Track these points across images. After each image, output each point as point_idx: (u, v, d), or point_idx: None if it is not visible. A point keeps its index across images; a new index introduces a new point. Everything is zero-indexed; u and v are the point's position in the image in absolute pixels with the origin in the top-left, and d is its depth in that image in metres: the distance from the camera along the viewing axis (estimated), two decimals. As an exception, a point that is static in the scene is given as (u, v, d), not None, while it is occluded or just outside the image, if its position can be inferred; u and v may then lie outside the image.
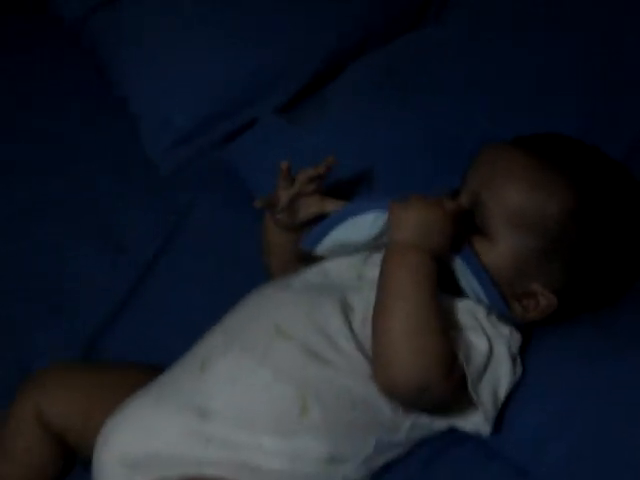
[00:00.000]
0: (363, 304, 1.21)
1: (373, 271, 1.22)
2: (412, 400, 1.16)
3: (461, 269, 1.21)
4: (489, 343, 1.18)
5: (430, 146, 1.47)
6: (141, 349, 1.38)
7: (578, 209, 1.20)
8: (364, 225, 1.25)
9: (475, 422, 1.18)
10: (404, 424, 1.19)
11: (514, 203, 1.20)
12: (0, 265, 1.53)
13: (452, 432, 1.22)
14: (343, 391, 1.17)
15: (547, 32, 1.57)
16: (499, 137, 1.30)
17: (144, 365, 1.31)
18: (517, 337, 1.23)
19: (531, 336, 1.25)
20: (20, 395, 1.28)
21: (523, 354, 1.22)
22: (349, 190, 1.45)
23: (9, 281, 1.51)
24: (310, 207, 1.34)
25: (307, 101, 1.68)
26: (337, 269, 1.29)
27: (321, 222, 1.29)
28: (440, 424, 1.20)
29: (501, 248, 1.21)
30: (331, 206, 1.32)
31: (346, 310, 1.21)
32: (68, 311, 1.45)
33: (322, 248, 1.28)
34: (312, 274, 1.29)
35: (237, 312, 1.26)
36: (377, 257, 1.23)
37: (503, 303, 1.22)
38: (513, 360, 1.20)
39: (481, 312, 1.21)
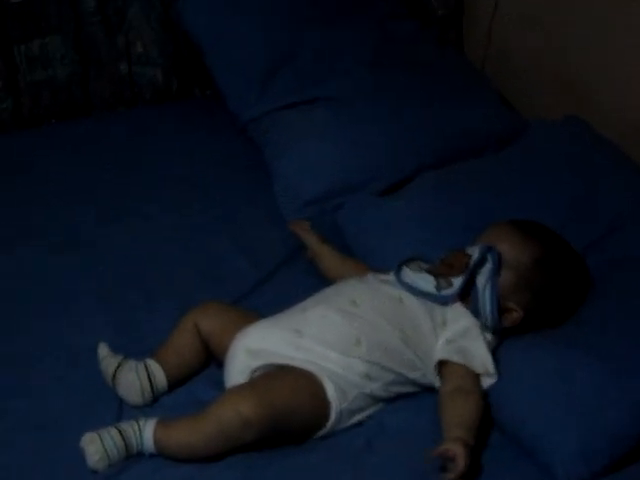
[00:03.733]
0: (407, 302, 1.98)
1: (409, 299, 1.99)
2: None
3: (484, 295, 1.97)
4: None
5: (466, 223, 2.22)
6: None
7: (541, 260, 1.98)
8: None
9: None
10: (416, 373, 1.94)
11: (504, 254, 1.99)
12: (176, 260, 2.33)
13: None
14: (381, 341, 1.93)
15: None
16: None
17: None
18: (495, 340, 1.98)
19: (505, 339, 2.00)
20: (187, 314, 2.03)
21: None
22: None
23: (181, 269, 2.30)
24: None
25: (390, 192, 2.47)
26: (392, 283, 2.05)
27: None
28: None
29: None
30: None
31: (397, 301, 1.98)
32: (221, 283, 2.24)
33: None
34: (378, 278, 2.05)
35: (328, 288, 2.05)
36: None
37: (497, 314, 1.97)
38: (488, 349, 1.95)
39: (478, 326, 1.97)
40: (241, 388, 1.88)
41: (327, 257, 2.23)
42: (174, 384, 1.98)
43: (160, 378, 1.96)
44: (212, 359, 2.04)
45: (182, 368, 2.00)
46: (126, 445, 1.80)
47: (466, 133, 2.60)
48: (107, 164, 2.63)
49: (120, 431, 1.81)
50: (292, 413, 1.84)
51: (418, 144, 2.55)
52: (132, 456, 1.82)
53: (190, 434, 1.81)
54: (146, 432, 1.82)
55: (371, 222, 2.35)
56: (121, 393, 1.94)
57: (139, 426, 1.82)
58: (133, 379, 1.93)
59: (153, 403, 1.96)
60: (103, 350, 1.98)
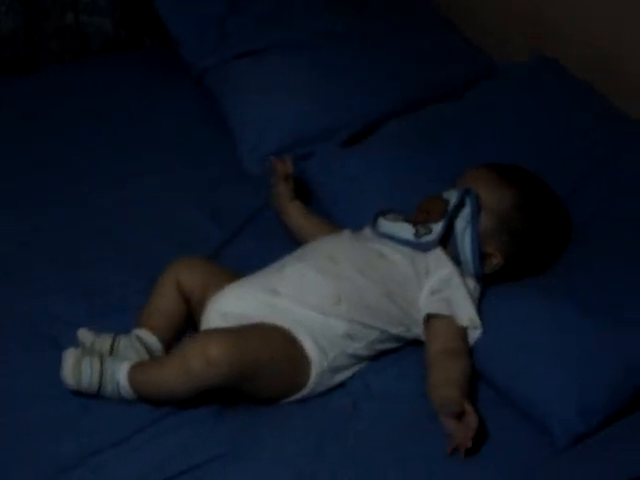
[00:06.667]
0: (389, 256, 1.91)
1: (390, 253, 1.92)
2: None
3: (463, 239, 1.91)
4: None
5: (438, 170, 2.16)
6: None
7: (520, 204, 1.93)
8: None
9: None
10: (400, 328, 1.88)
11: (482, 198, 1.92)
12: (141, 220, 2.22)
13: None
14: (363, 298, 1.86)
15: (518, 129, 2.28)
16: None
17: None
18: (478, 288, 1.93)
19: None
20: (167, 270, 1.94)
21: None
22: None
23: (147, 230, 2.19)
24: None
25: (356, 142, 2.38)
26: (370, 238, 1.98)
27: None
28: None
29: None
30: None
31: (377, 255, 1.91)
32: (185, 246, 2.13)
33: None
34: (355, 234, 1.98)
35: (304, 246, 1.97)
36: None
37: (478, 259, 1.90)
38: (472, 298, 1.89)
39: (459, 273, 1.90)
40: (212, 330, 1.83)
41: (295, 215, 2.14)
42: (168, 346, 1.90)
43: (157, 348, 1.87)
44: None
45: (172, 331, 1.91)
46: (102, 373, 1.75)
47: (431, 77, 2.52)
48: (56, 122, 2.52)
49: (101, 360, 1.77)
50: (263, 362, 1.76)
51: (382, 90, 2.46)
52: (106, 390, 1.77)
53: (158, 372, 1.76)
54: (123, 366, 1.76)
55: (340, 173, 2.27)
56: None
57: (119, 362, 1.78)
58: (132, 357, 1.83)
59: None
60: (86, 335, 1.86)
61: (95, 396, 1.78)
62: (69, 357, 1.77)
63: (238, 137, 2.43)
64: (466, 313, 1.86)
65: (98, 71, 2.70)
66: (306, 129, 2.40)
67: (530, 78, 2.40)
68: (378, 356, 1.90)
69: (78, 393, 1.77)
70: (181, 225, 2.21)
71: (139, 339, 1.86)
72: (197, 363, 1.71)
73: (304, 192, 2.25)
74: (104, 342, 1.84)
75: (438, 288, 1.89)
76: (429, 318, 1.88)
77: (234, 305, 1.86)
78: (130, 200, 2.28)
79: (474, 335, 1.86)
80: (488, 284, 1.95)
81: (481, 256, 1.91)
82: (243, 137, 2.43)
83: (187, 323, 1.94)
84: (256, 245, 2.15)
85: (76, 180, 2.33)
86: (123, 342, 1.84)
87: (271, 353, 1.78)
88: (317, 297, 1.85)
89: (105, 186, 2.31)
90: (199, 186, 2.33)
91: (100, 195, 2.28)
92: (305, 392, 1.82)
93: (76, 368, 1.75)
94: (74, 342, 1.86)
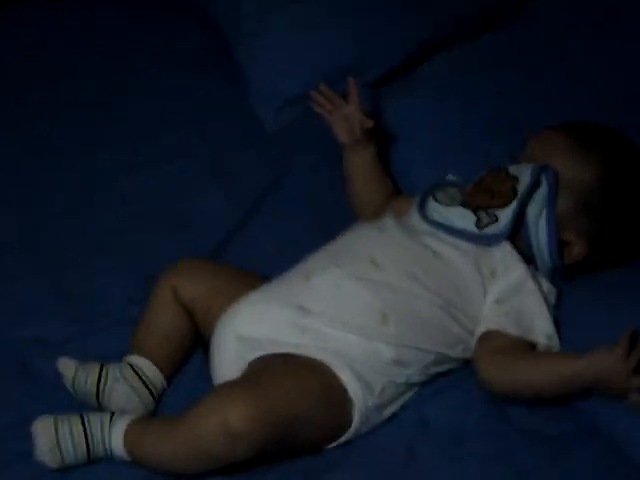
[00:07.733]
0: (445, 254, 1.53)
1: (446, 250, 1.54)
2: None
3: (537, 228, 1.54)
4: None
5: (484, 119, 1.83)
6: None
7: (605, 178, 1.54)
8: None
9: None
10: (459, 347, 1.51)
11: (560, 173, 1.54)
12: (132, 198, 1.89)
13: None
14: (416, 315, 1.49)
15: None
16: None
17: (256, 274, 1.63)
18: (554, 289, 1.56)
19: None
20: (161, 279, 1.61)
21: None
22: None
23: (140, 211, 1.87)
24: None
25: (393, 80, 2.03)
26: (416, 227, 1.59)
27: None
28: None
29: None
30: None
31: (430, 255, 1.53)
32: (193, 231, 1.80)
33: None
34: (399, 222, 1.60)
35: (337, 242, 1.59)
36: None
37: (556, 252, 1.53)
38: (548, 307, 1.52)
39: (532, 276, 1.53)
40: (230, 388, 1.44)
41: (365, 157, 1.76)
42: (171, 375, 1.59)
43: (155, 377, 1.55)
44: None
45: (174, 353, 1.60)
46: (87, 442, 1.43)
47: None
48: (36, 72, 2.21)
49: (84, 421, 1.45)
50: (300, 421, 1.41)
51: (412, 23, 2.09)
52: (97, 459, 1.45)
53: (161, 444, 1.42)
54: (116, 429, 1.43)
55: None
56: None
57: (110, 420, 1.45)
58: (124, 391, 1.52)
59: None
60: (67, 366, 1.54)
61: None
62: (41, 436, 1.43)
63: (252, 84, 2.09)
64: (542, 328, 1.50)
65: (81, 12, 2.37)
66: (329, 71, 2.00)
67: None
68: (433, 378, 1.54)
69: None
70: (184, 197, 1.90)
71: (133, 368, 1.53)
72: (215, 438, 1.36)
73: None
74: (89, 374, 1.52)
75: (506, 296, 1.52)
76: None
77: (253, 327, 1.50)
78: (122, 167, 1.97)
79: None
80: (564, 277, 1.59)
81: (559, 246, 1.54)
82: (257, 83, 2.08)
83: (193, 340, 1.62)
84: (272, 228, 1.81)
85: (54, 149, 2.02)
86: (112, 374, 1.53)
87: (306, 402, 1.42)
88: (358, 315, 1.48)
89: (87, 153, 2.00)
90: (208, 147, 2.00)
91: (83, 164, 1.98)
92: (348, 436, 1.47)
93: (55, 447, 1.43)
94: (51, 370, 1.55)
